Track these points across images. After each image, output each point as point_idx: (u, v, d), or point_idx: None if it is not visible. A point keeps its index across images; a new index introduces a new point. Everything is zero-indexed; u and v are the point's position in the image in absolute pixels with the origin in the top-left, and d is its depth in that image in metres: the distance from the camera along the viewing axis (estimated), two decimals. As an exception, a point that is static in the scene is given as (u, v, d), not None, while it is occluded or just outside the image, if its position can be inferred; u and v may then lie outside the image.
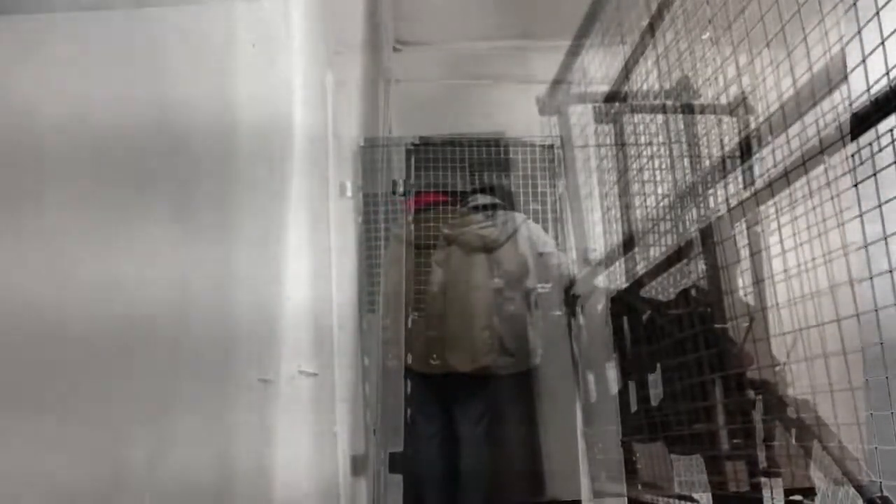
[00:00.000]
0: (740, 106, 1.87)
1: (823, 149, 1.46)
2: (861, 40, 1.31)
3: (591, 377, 2.69)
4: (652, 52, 2.21)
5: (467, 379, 2.71)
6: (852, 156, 1.37)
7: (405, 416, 2.65)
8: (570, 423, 2.72)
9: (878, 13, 1.27)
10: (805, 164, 1.52)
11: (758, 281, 1.79)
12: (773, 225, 1.73)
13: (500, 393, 2.76)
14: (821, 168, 1.52)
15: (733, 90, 1.86)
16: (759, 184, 1.74)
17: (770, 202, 1.71)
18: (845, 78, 1.42)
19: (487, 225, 2.84)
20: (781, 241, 1.69)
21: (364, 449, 2.58)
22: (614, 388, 2.45)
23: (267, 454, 1.66)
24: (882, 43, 1.27)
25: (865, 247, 1.31)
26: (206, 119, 1.36)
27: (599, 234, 2.68)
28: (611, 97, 2.56)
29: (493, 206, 2.89)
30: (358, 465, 2.54)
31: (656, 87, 2.23)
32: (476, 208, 2.89)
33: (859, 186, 1.35)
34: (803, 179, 1.59)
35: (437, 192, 2.96)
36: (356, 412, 2.59)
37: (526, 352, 2.77)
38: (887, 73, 1.28)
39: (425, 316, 2.81)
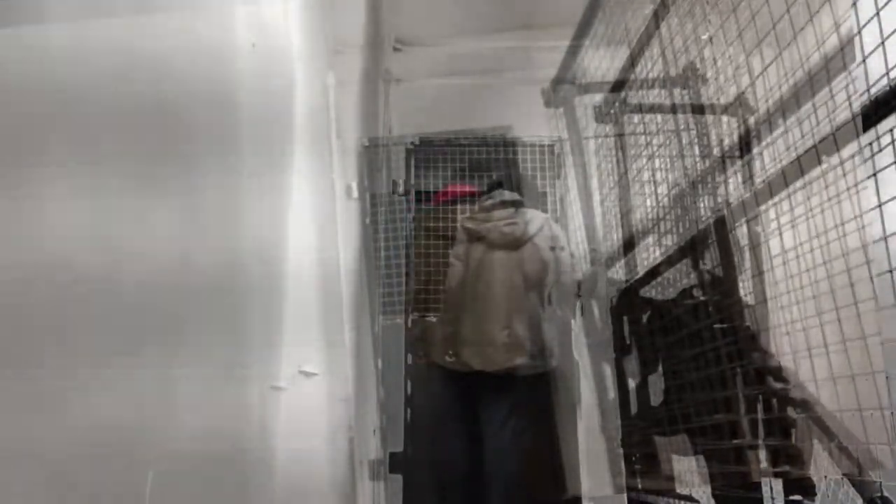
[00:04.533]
0: (739, 101, 1.87)
1: (823, 139, 1.46)
2: (861, 40, 1.31)
3: (606, 373, 2.66)
4: (657, 39, 2.19)
5: (491, 378, 2.65)
6: (852, 156, 1.37)
7: (405, 415, 2.64)
8: (585, 422, 2.71)
9: (878, 13, 1.27)
10: (816, 147, 1.50)
11: (767, 270, 1.78)
12: (784, 218, 1.72)
13: (525, 392, 2.69)
14: (823, 165, 1.52)
15: (735, 85, 1.85)
16: (764, 177, 1.73)
17: (778, 196, 1.69)
18: (846, 74, 1.41)
19: (512, 222, 2.77)
20: (781, 235, 1.69)
21: (382, 453, 2.59)
22: (623, 385, 2.45)
23: (278, 455, 1.66)
24: (882, 43, 1.27)
25: (865, 247, 1.31)
26: (206, 120, 1.36)
27: (603, 232, 2.67)
28: (617, 86, 2.52)
29: (516, 203, 2.82)
30: (374, 469, 2.54)
31: (662, 74, 2.21)
32: (499, 204, 2.82)
33: (859, 186, 1.35)
34: (805, 176, 1.59)
35: (464, 183, 2.92)
36: (371, 416, 2.59)
37: (546, 352, 2.71)
38: (887, 73, 1.27)
39: (442, 311, 2.77)
